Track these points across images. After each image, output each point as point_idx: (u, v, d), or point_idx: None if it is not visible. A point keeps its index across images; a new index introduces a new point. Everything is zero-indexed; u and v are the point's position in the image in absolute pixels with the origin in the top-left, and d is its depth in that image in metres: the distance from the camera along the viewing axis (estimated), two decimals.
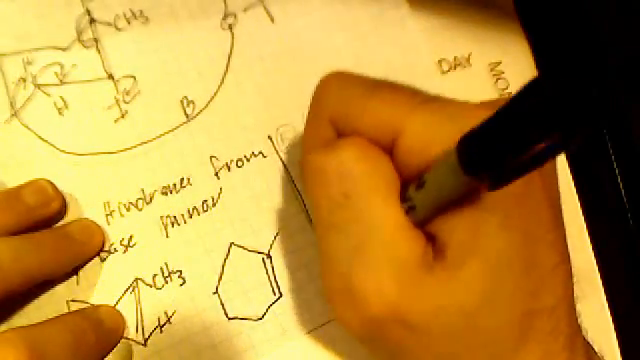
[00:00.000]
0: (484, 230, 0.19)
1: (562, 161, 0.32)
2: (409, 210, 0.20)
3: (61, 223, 0.27)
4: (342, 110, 0.21)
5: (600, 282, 0.32)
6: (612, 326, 0.32)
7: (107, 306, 0.27)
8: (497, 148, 0.16)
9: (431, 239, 0.21)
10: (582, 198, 0.32)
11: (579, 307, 0.25)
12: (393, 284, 0.20)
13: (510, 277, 0.20)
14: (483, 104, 0.20)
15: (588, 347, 0.24)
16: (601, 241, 0.33)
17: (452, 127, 0.19)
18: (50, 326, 0.24)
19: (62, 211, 0.27)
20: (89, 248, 0.27)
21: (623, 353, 0.32)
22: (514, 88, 0.32)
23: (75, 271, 0.27)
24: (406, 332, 0.20)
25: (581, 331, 0.23)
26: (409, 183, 0.20)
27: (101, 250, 0.27)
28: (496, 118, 0.16)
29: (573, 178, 0.33)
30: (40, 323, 0.24)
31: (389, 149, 0.21)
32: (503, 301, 0.20)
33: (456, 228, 0.20)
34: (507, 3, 0.33)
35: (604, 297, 0.32)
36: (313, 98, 0.23)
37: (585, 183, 0.33)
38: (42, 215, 0.26)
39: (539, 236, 0.20)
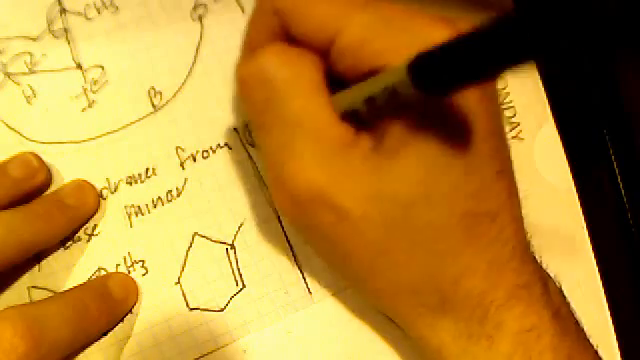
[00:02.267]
0: (423, 127, 0.20)
1: (563, 161, 0.32)
2: (351, 113, 0.21)
3: None
4: (289, 2, 0.22)
5: (600, 282, 0.31)
6: (612, 328, 0.31)
7: (118, 275, 0.27)
8: (457, 73, 0.17)
9: (371, 130, 0.21)
10: (582, 198, 0.32)
11: (580, 307, 0.24)
12: (318, 167, 0.21)
13: (447, 175, 0.20)
14: (428, 18, 0.21)
15: (541, 269, 0.24)
16: (601, 241, 0.32)
17: (390, 30, 0.20)
18: (50, 302, 0.24)
19: (48, 182, 0.27)
20: (83, 211, 0.27)
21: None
22: (513, 87, 0.32)
23: (62, 243, 0.27)
24: (336, 217, 0.21)
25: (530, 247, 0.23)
26: (347, 80, 0.22)
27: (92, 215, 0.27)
28: (462, 43, 0.16)
29: (573, 178, 0.32)
30: (40, 300, 0.25)
31: (327, 47, 0.22)
32: (441, 197, 0.21)
33: (397, 121, 0.20)
34: (507, 4, 0.33)
35: (604, 297, 0.31)
36: None
37: (585, 183, 0.32)
38: (29, 187, 0.26)
39: (476, 142, 0.21)
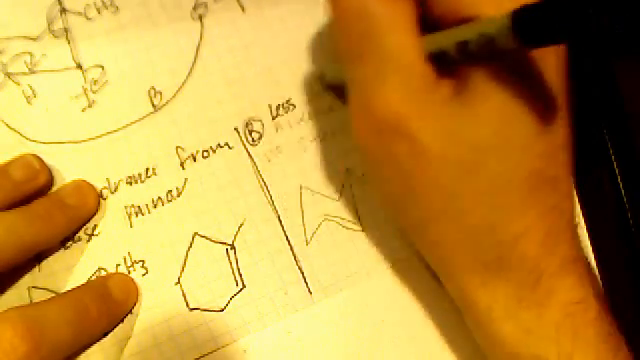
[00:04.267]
0: (506, 81, 0.21)
1: None
2: (437, 56, 0.22)
3: None
4: None
5: (600, 282, 0.31)
6: None
7: (118, 275, 0.27)
8: (560, 27, 0.17)
9: (453, 75, 0.22)
10: (582, 198, 0.32)
11: None
12: (404, 100, 0.22)
13: (521, 130, 0.21)
14: None
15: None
16: (601, 241, 0.32)
17: None
18: (50, 303, 0.25)
19: (50, 184, 0.27)
20: (84, 211, 0.27)
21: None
22: None
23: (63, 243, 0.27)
24: (414, 150, 0.22)
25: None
26: (437, 27, 0.22)
27: (93, 215, 0.27)
28: None
29: (573, 178, 0.32)
30: (41, 301, 0.25)
31: None
32: (513, 150, 0.21)
33: (481, 70, 0.21)
34: None
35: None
36: None
37: (585, 183, 0.32)
38: (30, 189, 0.26)
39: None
